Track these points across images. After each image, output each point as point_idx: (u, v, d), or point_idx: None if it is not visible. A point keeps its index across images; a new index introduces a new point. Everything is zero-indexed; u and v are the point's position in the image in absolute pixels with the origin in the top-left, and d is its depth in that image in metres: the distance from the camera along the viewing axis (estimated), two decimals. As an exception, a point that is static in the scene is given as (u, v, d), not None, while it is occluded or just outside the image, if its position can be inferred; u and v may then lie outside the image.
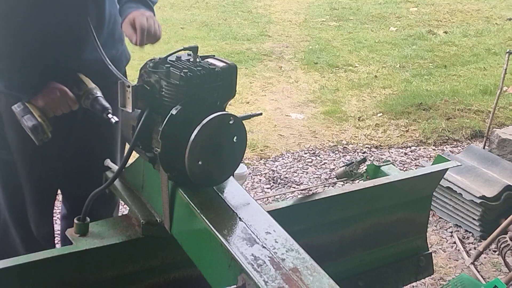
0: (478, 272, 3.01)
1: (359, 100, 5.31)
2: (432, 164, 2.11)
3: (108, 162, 1.69)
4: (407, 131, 4.71)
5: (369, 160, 4.09)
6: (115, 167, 1.65)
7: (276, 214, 1.39)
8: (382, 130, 4.72)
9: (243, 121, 1.40)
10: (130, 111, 1.38)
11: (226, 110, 1.40)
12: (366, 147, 4.44)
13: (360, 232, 1.95)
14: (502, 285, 2.46)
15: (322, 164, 4.16)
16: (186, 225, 1.41)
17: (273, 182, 3.88)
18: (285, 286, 1.14)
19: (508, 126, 4.50)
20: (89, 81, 1.91)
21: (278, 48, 6.89)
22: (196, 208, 1.33)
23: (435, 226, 3.44)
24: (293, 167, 4.10)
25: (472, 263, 3.06)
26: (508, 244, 2.84)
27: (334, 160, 4.23)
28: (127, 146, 1.46)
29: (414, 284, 2.71)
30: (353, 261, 1.96)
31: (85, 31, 1.90)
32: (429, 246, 2.33)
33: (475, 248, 3.19)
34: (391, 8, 8.77)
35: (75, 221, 1.52)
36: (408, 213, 2.08)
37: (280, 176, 3.96)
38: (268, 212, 1.38)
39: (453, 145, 4.50)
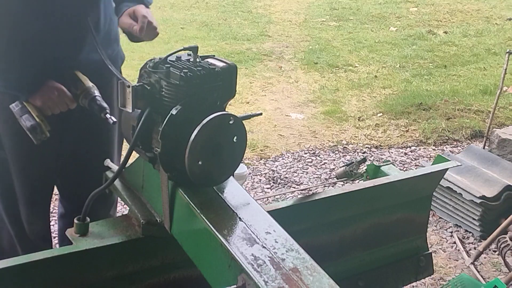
0: (478, 272, 3.00)
1: (359, 100, 5.31)
2: (432, 164, 2.11)
3: (108, 162, 1.69)
4: (407, 131, 4.71)
5: (369, 160, 4.09)
6: (115, 167, 1.65)
7: (276, 214, 1.39)
8: (382, 130, 4.72)
9: (243, 121, 1.40)
10: (130, 111, 1.38)
11: (226, 110, 1.40)
12: (366, 147, 4.44)
13: (360, 232, 1.95)
14: (502, 285, 2.46)
15: (322, 164, 4.15)
16: (186, 225, 1.41)
17: (273, 182, 3.88)
18: (285, 286, 1.14)
19: (508, 126, 4.50)
20: (86, 80, 1.91)
21: (278, 48, 6.88)
22: (196, 208, 1.33)
23: (435, 226, 3.44)
24: (293, 167, 4.10)
25: (472, 263, 3.06)
26: (508, 244, 2.83)
27: (334, 160, 4.22)
28: (125, 145, 1.45)
29: (414, 284, 2.71)
30: (353, 261, 1.96)
31: (83, 31, 1.90)
32: (429, 246, 2.33)
33: (475, 248, 3.19)
34: (391, 8, 8.77)
35: (75, 221, 1.52)
36: (408, 213, 2.08)
37: (280, 176, 3.96)
38: (268, 212, 1.38)
39: (453, 145, 4.50)
